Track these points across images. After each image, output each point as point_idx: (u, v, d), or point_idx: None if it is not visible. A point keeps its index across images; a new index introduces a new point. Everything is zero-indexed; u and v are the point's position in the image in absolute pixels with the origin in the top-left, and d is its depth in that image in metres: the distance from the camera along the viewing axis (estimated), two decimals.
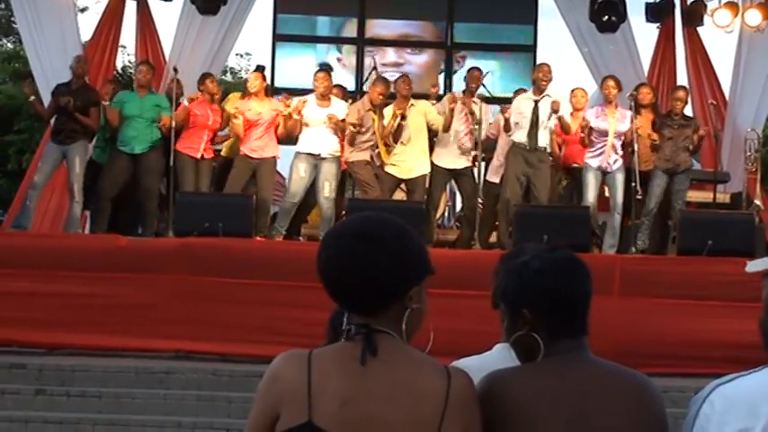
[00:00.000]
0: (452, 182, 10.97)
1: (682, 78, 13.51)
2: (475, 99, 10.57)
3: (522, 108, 10.35)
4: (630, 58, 13.12)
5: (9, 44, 28.13)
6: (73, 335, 8.70)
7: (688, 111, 11.20)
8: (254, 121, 10.36)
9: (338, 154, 10.38)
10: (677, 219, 10.01)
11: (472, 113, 10.37)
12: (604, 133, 10.26)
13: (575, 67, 14.59)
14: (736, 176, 11.91)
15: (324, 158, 10.27)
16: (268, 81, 11.45)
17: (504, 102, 11.28)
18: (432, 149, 10.54)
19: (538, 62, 12.33)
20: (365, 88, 12.50)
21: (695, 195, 11.74)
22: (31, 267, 8.87)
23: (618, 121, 10.33)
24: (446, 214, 12.59)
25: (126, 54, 20.01)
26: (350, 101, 10.91)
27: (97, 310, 8.70)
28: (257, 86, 10.53)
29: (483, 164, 10.93)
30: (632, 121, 10.28)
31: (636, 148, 10.09)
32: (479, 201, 10.57)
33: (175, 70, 10.96)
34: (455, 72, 14.39)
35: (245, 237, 9.47)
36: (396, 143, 10.29)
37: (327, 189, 10.21)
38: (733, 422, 2.00)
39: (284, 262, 8.89)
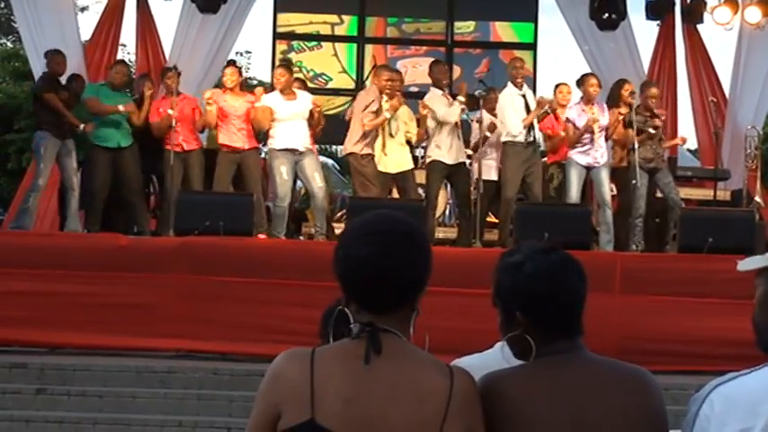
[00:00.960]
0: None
1: (682, 76, 13.54)
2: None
3: (515, 104, 10.39)
4: (630, 56, 13.14)
5: (9, 43, 28.14)
6: (74, 334, 8.70)
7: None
8: (230, 114, 10.43)
9: (311, 146, 10.39)
10: (677, 216, 10.01)
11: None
12: (589, 130, 10.22)
13: (575, 64, 14.60)
14: (737, 174, 11.92)
15: (301, 152, 10.23)
16: (244, 76, 11.55)
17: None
18: (427, 146, 10.59)
19: (539, 60, 12.34)
20: (367, 85, 12.48)
21: (695, 193, 11.74)
22: (32, 267, 8.85)
23: (599, 115, 10.25)
24: (447, 212, 12.58)
25: (126, 53, 20.02)
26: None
27: (98, 310, 8.69)
28: (234, 81, 10.63)
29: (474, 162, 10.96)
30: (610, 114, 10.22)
31: (636, 146, 10.08)
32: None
33: (175, 68, 10.96)
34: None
35: (246, 235, 9.47)
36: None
37: (318, 178, 10.22)
38: (733, 422, 2.00)
39: (285, 261, 8.91)
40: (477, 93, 10.88)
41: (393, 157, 10.40)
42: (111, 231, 9.91)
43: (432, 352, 2.19)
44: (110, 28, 13.26)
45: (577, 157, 10.27)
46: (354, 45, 14.40)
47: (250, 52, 28.70)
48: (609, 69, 12.34)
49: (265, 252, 9.22)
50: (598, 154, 10.26)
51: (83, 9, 23.68)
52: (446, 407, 2.08)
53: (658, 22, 13.93)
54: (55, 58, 10.73)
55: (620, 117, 10.32)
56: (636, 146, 10.09)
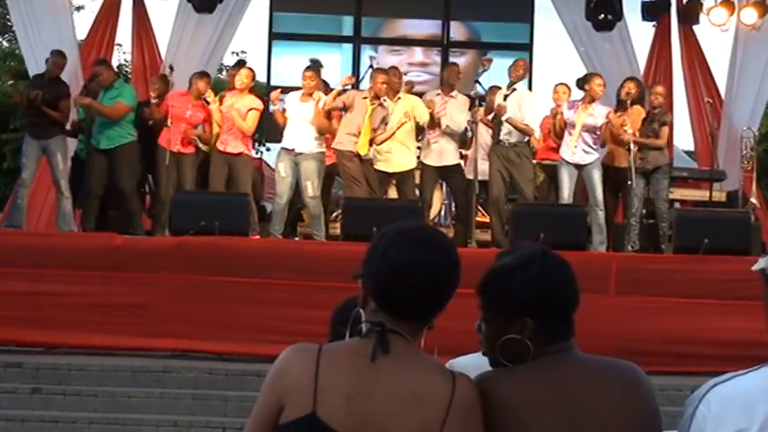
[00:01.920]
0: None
1: (678, 77, 13.53)
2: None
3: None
4: (626, 57, 13.14)
5: (5, 42, 28.10)
6: (69, 334, 8.69)
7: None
8: (226, 114, 10.39)
9: (317, 150, 10.31)
10: (671, 218, 10.01)
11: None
12: (573, 125, 10.21)
13: (571, 65, 14.60)
14: (732, 175, 11.93)
15: (301, 154, 10.21)
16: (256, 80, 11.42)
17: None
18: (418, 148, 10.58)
19: (535, 61, 12.35)
20: (362, 87, 12.48)
21: (691, 194, 11.75)
22: (28, 266, 8.85)
23: (588, 115, 10.19)
24: (443, 213, 12.58)
25: (122, 52, 20.01)
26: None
27: (93, 309, 8.69)
28: (245, 84, 10.56)
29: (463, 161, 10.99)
30: (607, 118, 10.17)
31: (632, 147, 10.07)
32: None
33: (171, 68, 10.95)
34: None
35: (242, 235, 9.47)
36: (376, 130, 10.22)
37: (310, 188, 10.18)
38: (729, 422, 2.00)
39: (280, 261, 8.91)
40: (473, 93, 10.89)
41: (393, 157, 10.39)
42: (107, 231, 9.91)
43: (429, 352, 2.20)
44: (105, 27, 13.27)
45: (563, 154, 10.27)
46: (350, 45, 14.42)
47: (246, 52, 28.63)
48: (605, 70, 12.32)
49: (261, 252, 9.22)
50: (578, 150, 10.17)
51: (79, 8, 23.61)
52: (446, 412, 2.09)
53: (654, 23, 13.95)
54: (51, 59, 10.74)
55: (641, 116, 10.34)
56: (632, 147, 10.08)
